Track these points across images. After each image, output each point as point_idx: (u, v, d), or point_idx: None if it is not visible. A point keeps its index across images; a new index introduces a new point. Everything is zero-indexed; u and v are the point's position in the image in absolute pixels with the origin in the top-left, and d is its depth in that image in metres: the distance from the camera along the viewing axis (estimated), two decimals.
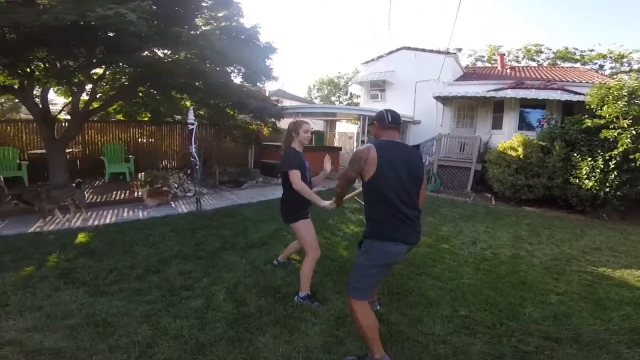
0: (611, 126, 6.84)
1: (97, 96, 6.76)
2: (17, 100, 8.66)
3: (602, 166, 6.88)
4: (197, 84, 6.18)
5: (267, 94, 17.55)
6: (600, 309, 2.91)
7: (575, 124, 7.69)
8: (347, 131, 14.82)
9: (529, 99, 9.25)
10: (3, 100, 12.25)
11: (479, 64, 25.74)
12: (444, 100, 10.94)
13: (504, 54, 16.42)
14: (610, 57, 22.37)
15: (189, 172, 8.58)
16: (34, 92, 6.17)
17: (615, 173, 6.74)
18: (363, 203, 1.99)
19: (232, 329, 2.22)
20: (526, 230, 5.55)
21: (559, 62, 23.58)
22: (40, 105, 6.08)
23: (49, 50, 4.97)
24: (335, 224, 5.10)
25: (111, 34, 4.62)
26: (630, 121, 6.60)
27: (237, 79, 7.58)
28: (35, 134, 7.24)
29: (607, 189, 6.82)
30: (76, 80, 6.18)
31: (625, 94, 6.83)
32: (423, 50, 12.55)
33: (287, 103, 21.23)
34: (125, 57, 4.87)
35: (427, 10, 46.51)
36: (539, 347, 2.26)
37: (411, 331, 2.32)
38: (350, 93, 30.15)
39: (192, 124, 5.51)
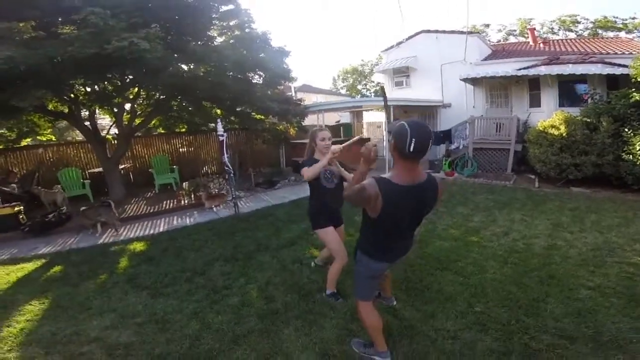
0: None
1: (137, 113, 7.51)
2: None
3: None
4: (221, 94, 6.64)
5: (293, 91, 18.02)
6: (633, 306, 2.72)
7: (622, 99, 7.07)
8: (375, 120, 14.71)
9: (569, 74, 8.56)
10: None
11: (511, 38, 23.91)
12: (473, 81, 10.46)
13: (534, 28, 15.08)
14: None
15: (226, 177, 9.23)
16: (82, 115, 6.97)
17: None
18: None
19: (262, 323, 2.59)
20: (569, 217, 5.17)
21: (599, 32, 21.25)
22: (90, 127, 6.93)
23: (84, 77, 5.63)
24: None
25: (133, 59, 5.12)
26: None
27: (259, 84, 7.96)
28: (91, 153, 8.19)
29: None
30: (115, 101, 6.90)
31: None
32: (444, 32, 12.01)
33: (313, 97, 21.59)
34: (151, 78, 5.38)
35: None
36: (550, 346, 2.26)
37: (422, 326, 2.46)
38: (377, 82, 29.60)
39: (222, 135, 5.98)
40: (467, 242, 4.22)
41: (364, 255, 1.99)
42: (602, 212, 5.44)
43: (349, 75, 33.44)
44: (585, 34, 21.94)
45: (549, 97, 9.20)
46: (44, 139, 8.60)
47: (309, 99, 18.85)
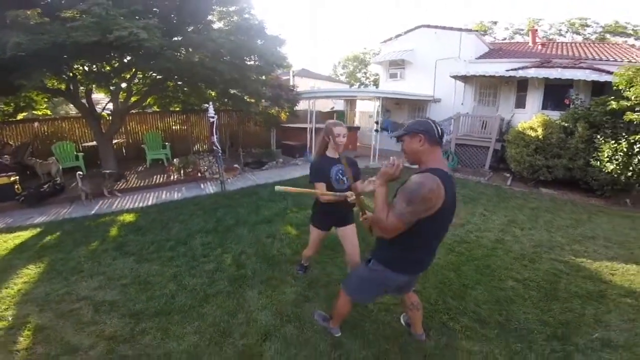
0: (637, 108, 6.50)
1: (133, 92, 7.75)
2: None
3: (625, 150, 6.59)
4: (216, 78, 6.88)
5: (291, 75, 18.06)
6: (548, 300, 3.01)
7: (600, 105, 7.37)
8: (367, 110, 14.97)
9: (555, 78, 8.86)
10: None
11: (517, 37, 23.84)
12: (464, 79, 10.74)
13: (536, 30, 15.13)
14: None
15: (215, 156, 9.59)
16: (80, 93, 7.21)
17: (639, 157, 6.45)
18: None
19: (231, 286, 3.03)
20: (526, 215, 5.60)
21: (608, 37, 21.17)
22: (87, 105, 7.19)
23: (86, 59, 5.90)
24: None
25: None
26: None
27: (253, 68, 8.16)
28: (85, 128, 8.50)
29: (630, 173, 6.56)
30: (113, 81, 7.16)
31: None
32: (443, 27, 12.12)
33: (311, 82, 21.63)
34: (147, 62, 5.65)
35: None
36: (464, 327, 2.56)
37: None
38: (370, 73, 29.58)
39: (213, 117, 6.28)
40: None
41: (380, 264, 1.84)
42: (558, 213, 5.88)
43: (349, 63, 33.26)
44: (593, 37, 21.94)
45: (534, 99, 9.53)
46: (40, 113, 8.80)
47: (307, 84, 18.95)
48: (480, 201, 6.33)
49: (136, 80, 7.71)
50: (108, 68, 6.75)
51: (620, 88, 6.89)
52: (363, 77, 32.61)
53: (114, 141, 8.07)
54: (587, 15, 24.00)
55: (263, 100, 8.57)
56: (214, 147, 6.53)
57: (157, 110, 10.07)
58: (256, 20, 7.00)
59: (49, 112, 9.59)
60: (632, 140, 6.53)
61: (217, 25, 7.13)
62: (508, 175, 8.72)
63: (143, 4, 5.08)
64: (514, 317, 2.72)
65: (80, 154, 7.87)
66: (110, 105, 7.99)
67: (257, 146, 11.07)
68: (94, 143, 7.87)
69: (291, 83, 12.34)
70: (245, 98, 8.40)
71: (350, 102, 15.82)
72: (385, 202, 1.64)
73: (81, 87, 6.95)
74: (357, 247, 2.60)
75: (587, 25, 22.81)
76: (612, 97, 6.99)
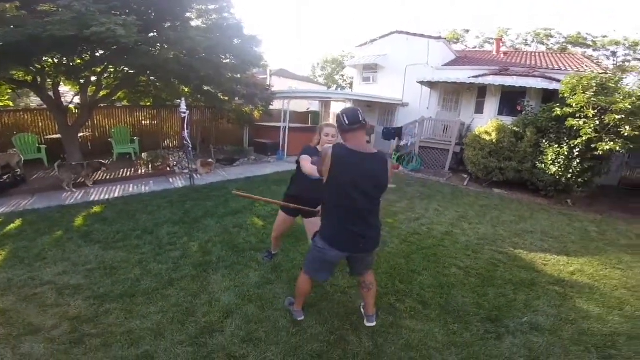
0: (577, 115, 7.15)
1: (103, 86, 7.62)
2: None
3: (566, 153, 7.25)
4: (191, 74, 6.94)
5: (268, 74, 18.15)
6: (485, 286, 3.30)
7: (546, 112, 8.04)
8: None
9: (510, 85, 9.64)
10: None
11: (487, 45, 25.23)
12: (430, 84, 11.40)
13: (501, 39, 16.29)
14: (624, 45, 21.35)
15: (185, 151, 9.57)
16: (47, 85, 7.00)
17: (578, 160, 7.12)
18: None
19: (196, 270, 3.21)
20: (475, 211, 6.12)
21: (569, 47, 22.87)
22: (53, 97, 7.00)
23: (57, 52, 5.80)
24: None
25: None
26: (596, 111, 6.91)
27: (228, 67, 8.27)
28: (50, 120, 8.23)
29: (570, 175, 7.23)
30: (82, 74, 7.02)
31: (595, 84, 7.07)
32: (414, 34, 12.81)
33: (288, 82, 21.76)
34: (123, 58, 5.64)
35: None
36: (409, 308, 2.82)
37: (324, 283, 3.00)
38: (348, 76, 30.25)
39: (184, 112, 6.37)
40: (381, 229, 5.01)
41: (319, 236, 2.18)
42: (505, 210, 6.47)
43: (328, 65, 33.74)
44: (556, 47, 23.45)
45: (491, 105, 10.29)
46: (1, 104, 8.42)
47: (285, 84, 19.05)
48: (436, 198, 6.86)
49: (107, 75, 7.57)
50: (79, 61, 6.62)
51: (565, 96, 7.50)
52: (340, 79, 33.20)
53: (80, 135, 7.87)
54: (552, 26, 25.63)
55: (237, 98, 8.68)
56: (185, 142, 6.60)
57: (127, 104, 9.87)
58: (234, 20, 7.13)
59: (11, 104, 9.17)
60: (572, 145, 7.21)
61: (195, 22, 7.18)
62: (466, 176, 9.39)
63: (122, 1, 5.08)
64: (454, 300, 3.01)
65: (44, 147, 7.64)
66: (77, 99, 7.80)
67: (230, 143, 11.12)
68: (59, 136, 7.64)
69: (268, 82, 12.48)
70: (219, 95, 8.48)
71: (325, 103, 16.20)
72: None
73: (48, 80, 6.76)
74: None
75: (551, 36, 24.43)
76: (557, 104, 7.64)
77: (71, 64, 6.55)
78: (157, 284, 2.96)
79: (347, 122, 1.98)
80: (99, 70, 7.22)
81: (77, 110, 8.03)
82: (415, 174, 9.46)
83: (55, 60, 6.48)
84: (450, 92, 11.85)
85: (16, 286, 2.90)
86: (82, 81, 7.14)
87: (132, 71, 7.33)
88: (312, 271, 2.34)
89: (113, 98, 8.35)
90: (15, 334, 2.29)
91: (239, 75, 8.43)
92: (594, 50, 22.38)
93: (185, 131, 6.50)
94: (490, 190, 8.32)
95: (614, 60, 22.10)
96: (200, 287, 2.96)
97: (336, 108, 16.01)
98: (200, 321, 2.49)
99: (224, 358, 2.15)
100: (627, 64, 21.45)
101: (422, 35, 12.71)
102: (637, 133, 6.41)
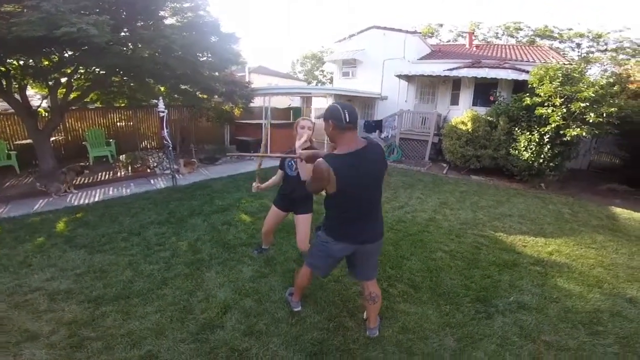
0: (546, 104, 7.52)
1: (73, 88, 7.29)
2: None
3: (537, 140, 7.63)
4: (167, 73, 6.77)
5: (246, 72, 17.90)
6: (470, 268, 3.43)
7: (517, 102, 8.41)
8: (322, 107, 15.47)
9: (482, 77, 10.03)
10: None
11: (460, 39, 25.91)
12: (407, 78, 11.66)
13: (473, 32, 16.85)
14: (588, 37, 22.50)
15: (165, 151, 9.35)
16: (13, 88, 6.62)
17: (548, 146, 7.51)
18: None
19: (188, 269, 3.21)
20: (456, 197, 6.35)
21: (537, 40, 23.82)
22: (21, 101, 6.64)
23: (23, 54, 5.51)
24: None
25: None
26: (563, 100, 7.28)
27: (206, 64, 8.12)
28: (18, 125, 7.80)
29: (541, 160, 7.64)
30: (51, 76, 6.69)
31: (560, 74, 7.48)
32: (392, 29, 13.02)
33: (268, 79, 21.57)
34: (94, 59, 5.37)
35: None
36: (401, 292, 2.94)
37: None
38: (327, 71, 30.36)
39: (163, 112, 6.20)
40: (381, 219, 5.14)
41: (324, 233, 2.13)
42: (484, 195, 6.74)
43: (307, 61, 33.66)
44: (524, 40, 24.37)
45: (466, 97, 10.70)
46: None
47: (264, 81, 18.88)
48: (418, 187, 7.07)
49: (77, 76, 7.23)
50: (47, 63, 6.29)
51: (534, 86, 7.87)
52: (320, 74, 33.21)
53: (52, 139, 7.51)
54: (521, 19, 26.45)
55: (216, 96, 8.54)
56: (165, 142, 6.45)
57: (100, 106, 9.49)
58: (211, 18, 6.98)
59: None
60: (542, 132, 7.60)
61: (169, 21, 6.97)
62: (445, 165, 9.73)
63: (91, 0, 4.87)
64: (443, 283, 3.13)
65: (14, 153, 7.24)
66: (45, 103, 7.42)
67: (210, 142, 10.94)
68: (29, 141, 7.27)
69: (246, 80, 12.33)
70: (197, 94, 8.32)
71: (306, 99, 16.20)
72: (308, 169, 2.07)
73: (14, 83, 6.39)
74: (305, 236, 2.97)
75: (520, 29, 25.33)
76: (527, 94, 8.02)
77: (39, 66, 6.22)
78: (151, 284, 2.94)
79: (347, 119, 1.86)
80: (68, 71, 6.91)
81: (47, 114, 7.65)
82: (397, 164, 9.68)
83: (21, 63, 6.14)
84: (426, 85, 12.17)
85: (4, 293, 2.80)
86: (50, 83, 6.80)
87: (103, 72, 7.06)
88: (314, 265, 2.31)
89: (85, 100, 8.00)
90: (13, 341, 2.24)
91: (217, 73, 8.29)
92: (560, 42, 23.50)
93: (165, 131, 6.35)
94: (468, 177, 8.65)
95: (578, 52, 23.30)
96: (195, 284, 2.96)
97: (317, 103, 16.06)
98: (199, 318, 2.50)
99: (227, 352, 2.18)
100: (590, 55, 22.63)
101: (398, 30, 12.94)
102: (601, 120, 6.85)
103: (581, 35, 22.75)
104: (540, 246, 4.24)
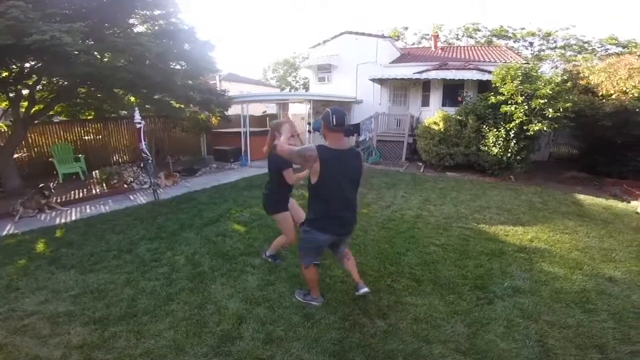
0: (509, 102, 8.09)
1: (37, 100, 6.84)
2: None
3: (504, 136, 8.20)
4: (139, 82, 6.53)
5: (217, 80, 17.58)
6: (463, 258, 3.64)
7: (483, 101, 8.96)
8: (299, 112, 15.53)
9: (450, 79, 10.61)
10: None
11: (424, 41, 27.06)
12: (380, 81, 12.05)
13: (437, 35, 17.72)
14: (539, 35, 24.23)
15: (142, 165, 8.95)
16: None
17: (515, 141, 8.08)
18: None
19: (192, 283, 3.14)
20: (436, 194, 6.66)
21: (494, 40, 25.37)
22: None
23: None
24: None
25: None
26: (524, 98, 7.87)
27: (181, 73, 7.91)
28: None
29: (509, 155, 8.20)
30: (13, 87, 6.26)
31: (520, 74, 8.07)
32: (363, 34, 13.43)
33: (239, 86, 21.32)
34: (63, 68, 5.07)
35: None
36: (405, 286, 3.08)
37: (322, 274, 3.15)
38: (300, 77, 30.54)
39: (140, 123, 5.97)
40: (358, 213, 5.28)
41: (309, 227, 2.44)
42: (461, 190, 7.11)
43: (279, 67, 33.52)
44: (482, 40, 25.76)
45: (436, 98, 11.22)
46: None
47: (235, 89, 18.62)
48: (400, 186, 7.34)
49: (40, 87, 6.78)
50: (5, 74, 5.85)
51: (497, 85, 8.43)
52: (293, 80, 33.22)
53: (15, 156, 6.98)
54: (479, 20, 27.89)
55: (192, 105, 8.34)
56: (143, 155, 6.21)
57: (64, 119, 8.93)
58: (185, 25, 6.85)
59: None
60: (508, 128, 8.17)
61: (139, 29, 6.75)
62: (421, 164, 10.13)
63: (60, 7, 4.61)
64: (441, 274, 3.31)
65: None
66: (3, 117, 6.89)
67: (186, 153, 10.63)
68: None
69: (218, 88, 12.11)
70: (172, 103, 8.09)
71: (283, 105, 16.19)
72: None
73: None
74: (301, 210, 3.43)
75: (478, 30, 26.77)
76: (492, 93, 8.56)
77: None
78: (156, 301, 2.85)
79: (334, 123, 2.20)
80: (30, 82, 6.47)
81: (7, 129, 7.10)
82: (376, 166, 9.95)
83: None
84: (398, 88, 12.63)
85: None
86: (11, 95, 6.34)
87: (67, 82, 6.67)
88: (309, 260, 2.55)
89: (50, 113, 7.51)
90: None
91: (190, 82, 8.11)
92: (514, 41, 25.17)
93: (143, 143, 6.12)
94: (444, 174, 9.08)
95: (531, 50, 25.11)
96: (203, 298, 2.91)
97: (294, 109, 16.11)
98: (215, 331, 2.46)
99: None
100: (542, 53, 24.52)
101: (370, 35, 13.37)
102: (559, 114, 7.50)
103: (533, 34, 24.53)
104: (520, 234, 4.55)
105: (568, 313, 2.75)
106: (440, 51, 15.40)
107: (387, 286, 3.12)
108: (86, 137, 9.11)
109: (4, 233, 4.66)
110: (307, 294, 2.84)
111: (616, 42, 21.42)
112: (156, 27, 6.85)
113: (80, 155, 8.24)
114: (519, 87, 7.99)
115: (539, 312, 2.76)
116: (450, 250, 3.92)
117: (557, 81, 7.96)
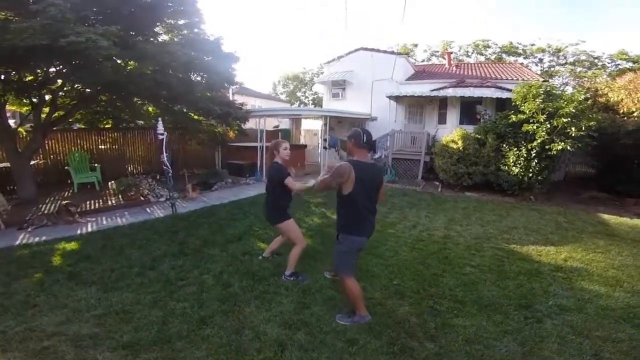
0: (531, 120, 7.94)
1: (58, 106, 6.81)
2: None
3: (525, 155, 8.01)
4: (163, 92, 6.50)
5: (230, 92, 17.74)
6: (501, 279, 3.60)
7: (503, 119, 8.81)
8: (312, 128, 15.51)
9: (468, 96, 10.53)
10: None
11: (434, 59, 27.32)
12: (396, 98, 12.03)
13: (451, 53, 17.88)
14: (549, 51, 24.38)
15: (157, 177, 8.85)
16: None
17: (536, 161, 7.88)
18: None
19: (224, 305, 2.92)
20: (460, 214, 6.51)
21: (504, 56, 25.44)
22: (0, 119, 6.09)
23: (8, 66, 5.09)
24: (300, 217, 5.78)
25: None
26: (546, 116, 7.74)
27: (202, 85, 7.91)
28: None
29: (530, 174, 8.00)
30: (36, 92, 6.22)
31: (542, 92, 7.98)
32: (378, 50, 13.55)
33: (251, 100, 21.51)
34: (90, 73, 5.02)
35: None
36: (449, 308, 2.98)
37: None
38: (315, 92, 30.88)
39: (162, 134, 5.90)
40: (385, 234, 5.08)
41: (346, 234, 2.63)
42: (484, 211, 6.94)
43: (289, 82, 33.91)
44: (493, 57, 25.82)
45: (453, 116, 11.10)
46: None
47: (246, 102, 18.75)
48: (422, 206, 7.16)
49: (62, 93, 6.75)
50: (31, 78, 5.82)
51: (518, 103, 8.33)
52: (302, 96, 33.56)
53: (32, 162, 6.90)
54: (488, 37, 28.14)
55: (211, 118, 8.30)
56: (164, 167, 6.10)
57: (82, 127, 8.92)
58: (210, 36, 6.88)
59: None
60: (529, 147, 7.99)
61: (163, 37, 6.78)
62: (438, 183, 9.92)
63: (92, 10, 4.59)
64: (484, 295, 3.22)
65: None
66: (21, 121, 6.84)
67: (199, 166, 10.54)
68: (5, 164, 6.61)
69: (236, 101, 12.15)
70: (192, 115, 8.05)
71: (296, 120, 16.20)
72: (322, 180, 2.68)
73: None
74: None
75: (488, 47, 26.88)
76: (512, 112, 8.42)
77: (24, 80, 5.73)
78: (189, 324, 2.63)
79: (364, 140, 2.54)
80: (54, 87, 6.43)
81: (27, 134, 7.04)
82: (392, 185, 9.77)
83: (2, 77, 5.62)
84: (414, 105, 12.59)
85: (14, 340, 2.41)
86: (35, 100, 6.30)
87: (90, 89, 6.64)
88: (349, 269, 2.68)
89: (70, 119, 7.47)
90: None
91: (208, 94, 8.09)
92: (524, 58, 25.22)
93: (165, 155, 6.02)
94: (463, 194, 8.86)
95: (541, 67, 25.12)
96: (239, 322, 2.69)
97: (306, 125, 16.10)
98: (257, 359, 2.25)
99: None
100: (552, 69, 24.56)
101: (385, 52, 13.48)
102: (582, 133, 7.34)
103: (542, 51, 24.59)
104: (554, 254, 4.45)
105: (618, 328, 2.73)
106: (455, 68, 15.42)
107: (430, 308, 3.00)
108: (102, 147, 9.07)
109: (17, 242, 4.50)
110: (352, 314, 2.71)
111: (627, 57, 21.49)
112: (180, 37, 6.88)
113: (96, 165, 8.16)
114: (541, 105, 7.88)
115: (589, 328, 2.73)
116: (486, 271, 3.83)
117: (579, 99, 7.84)
